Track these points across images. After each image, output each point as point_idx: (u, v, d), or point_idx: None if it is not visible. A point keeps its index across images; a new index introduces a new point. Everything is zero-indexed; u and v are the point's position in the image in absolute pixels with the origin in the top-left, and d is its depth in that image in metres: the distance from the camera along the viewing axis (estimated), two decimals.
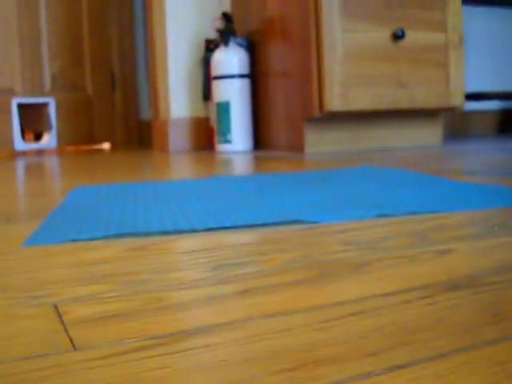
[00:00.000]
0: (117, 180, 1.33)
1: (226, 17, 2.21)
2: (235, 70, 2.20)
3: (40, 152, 2.82)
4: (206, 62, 2.38)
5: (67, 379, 0.30)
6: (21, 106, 2.85)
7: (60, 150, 2.87)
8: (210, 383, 0.29)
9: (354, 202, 0.85)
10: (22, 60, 3.22)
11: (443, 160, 1.52)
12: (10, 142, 3.11)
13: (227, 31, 2.21)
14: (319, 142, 2.03)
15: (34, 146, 2.80)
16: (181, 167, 1.64)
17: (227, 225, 0.71)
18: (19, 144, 2.74)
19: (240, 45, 2.27)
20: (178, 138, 2.43)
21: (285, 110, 2.11)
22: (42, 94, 3.25)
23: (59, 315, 0.40)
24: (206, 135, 2.47)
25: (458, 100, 2.13)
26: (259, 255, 0.56)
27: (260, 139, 2.33)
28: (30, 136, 2.89)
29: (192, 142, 2.45)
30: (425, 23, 2.06)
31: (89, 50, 3.37)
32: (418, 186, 0.99)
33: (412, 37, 2.05)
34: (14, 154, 2.72)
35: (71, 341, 0.36)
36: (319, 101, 1.94)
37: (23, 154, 2.76)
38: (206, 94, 2.41)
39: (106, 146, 3.00)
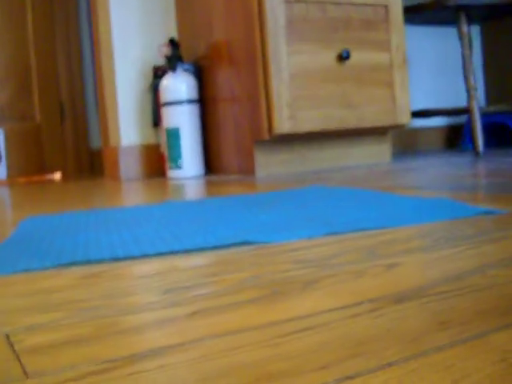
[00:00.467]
0: (68, 209, 1.32)
1: (172, 43, 2.22)
2: (183, 96, 2.20)
3: None
4: (155, 89, 2.38)
5: None
6: None
7: (10, 182, 2.84)
8: None
9: (303, 221, 0.86)
10: None
11: (392, 176, 1.55)
12: None
13: (174, 57, 2.22)
14: (269, 165, 2.05)
15: None
16: (132, 194, 1.63)
17: (178, 249, 0.71)
18: None
19: (188, 71, 2.28)
20: (129, 166, 2.42)
21: (234, 134, 2.13)
22: None
23: (11, 344, 0.40)
24: (157, 162, 2.47)
25: (404, 118, 2.17)
26: (210, 277, 0.57)
27: (211, 164, 2.33)
28: None
29: (143, 169, 2.45)
30: (369, 43, 2.10)
31: (36, 79, 3.34)
32: (366, 203, 1.00)
33: (357, 57, 2.08)
34: None
35: (23, 369, 0.36)
36: (268, 124, 1.95)
37: None
38: (156, 121, 2.41)
39: (58, 175, 2.97)
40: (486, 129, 2.86)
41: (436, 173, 1.57)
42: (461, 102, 3.08)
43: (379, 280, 0.51)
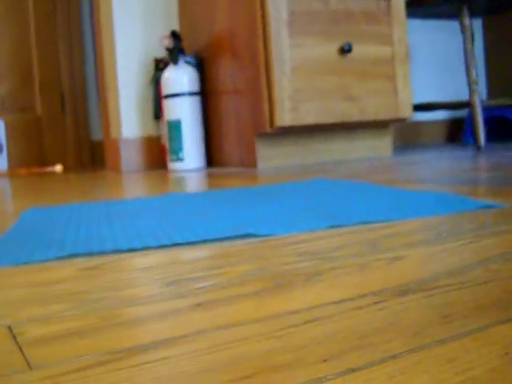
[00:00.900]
0: (70, 201, 1.32)
1: (174, 35, 2.22)
2: (185, 88, 2.20)
3: None
4: (156, 81, 2.38)
5: None
6: None
7: (11, 173, 2.84)
8: None
9: (306, 214, 0.86)
10: None
11: (393, 170, 1.55)
12: None
13: (176, 49, 2.21)
14: (271, 157, 2.05)
15: None
16: (133, 186, 1.63)
17: (181, 241, 0.71)
18: None
19: (189, 63, 2.27)
20: (130, 158, 2.42)
21: (236, 127, 2.12)
22: None
23: (13, 336, 0.40)
24: (158, 154, 2.47)
25: (406, 111, 2.17)
26: (213, 269, 0.57)
27: (212, 157, 2.33)
28: None
29: (144, 161, 2.44)
30: (371, 37, 2.10)
31: (38, 70, 3.34)
32: (368, 196, 1.00)
33: (359, 50, 2.08)
34: None
35: (26, 360, 0.36)
36: (270, 116, 1.95)
37: None
38: (157, 113, 2.41)
39: (59, 168, 2.97)
40: (488, 122, 2.86)
41: (438, 166, 1.57)
42: (462, 95, 3.08)
43: (382, 273, 0.51)
